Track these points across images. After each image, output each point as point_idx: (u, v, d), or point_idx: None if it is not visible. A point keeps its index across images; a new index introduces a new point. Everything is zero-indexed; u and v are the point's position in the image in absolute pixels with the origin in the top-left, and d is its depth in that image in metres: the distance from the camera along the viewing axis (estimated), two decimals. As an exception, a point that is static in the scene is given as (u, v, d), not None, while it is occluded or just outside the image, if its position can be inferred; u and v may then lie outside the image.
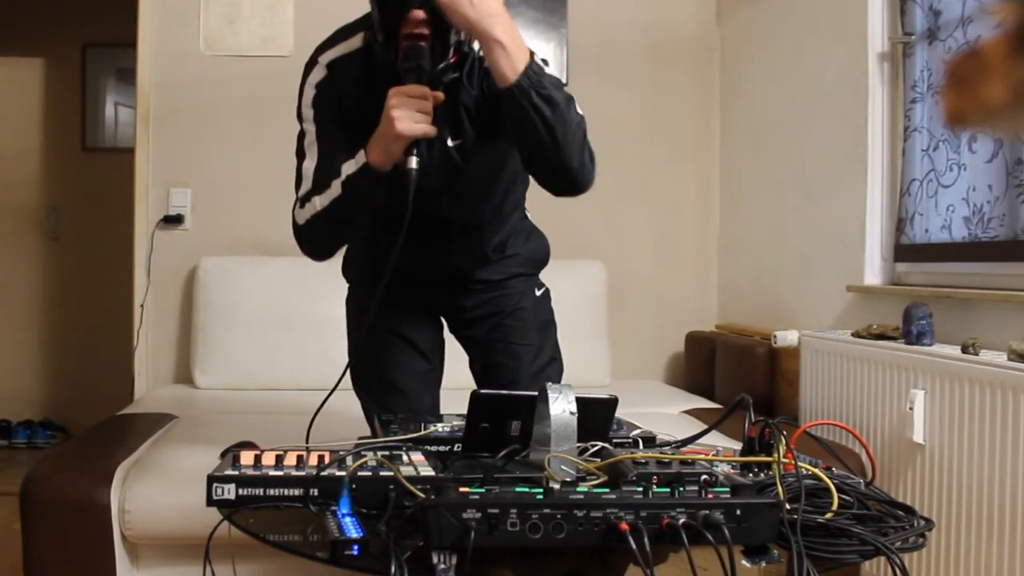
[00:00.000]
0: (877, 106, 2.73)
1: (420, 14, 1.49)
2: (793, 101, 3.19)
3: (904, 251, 2.66)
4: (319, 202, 1.63)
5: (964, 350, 2.12)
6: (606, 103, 3.64)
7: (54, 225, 4.78)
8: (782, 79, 3.27)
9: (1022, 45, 0.54)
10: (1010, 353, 1.98)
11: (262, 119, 3.52)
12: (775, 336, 2.90)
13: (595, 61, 3.66)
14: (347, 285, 2.04)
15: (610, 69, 3.68)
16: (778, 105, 3.30)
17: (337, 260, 3.48)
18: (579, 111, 1.56)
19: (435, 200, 1.68)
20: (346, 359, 2.01)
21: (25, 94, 4.76)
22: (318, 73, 1.65)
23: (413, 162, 1.50)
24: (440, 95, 1.53)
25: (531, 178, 1.77)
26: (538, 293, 1.93)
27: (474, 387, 1.69)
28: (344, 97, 1.62)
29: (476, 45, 1.58)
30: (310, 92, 1.65)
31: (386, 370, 1.88)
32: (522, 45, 1.48)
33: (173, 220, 3.46)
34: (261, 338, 3.23)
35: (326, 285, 3.32)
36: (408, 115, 1.47)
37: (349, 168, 1.56)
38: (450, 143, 1.64)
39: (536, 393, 1.20)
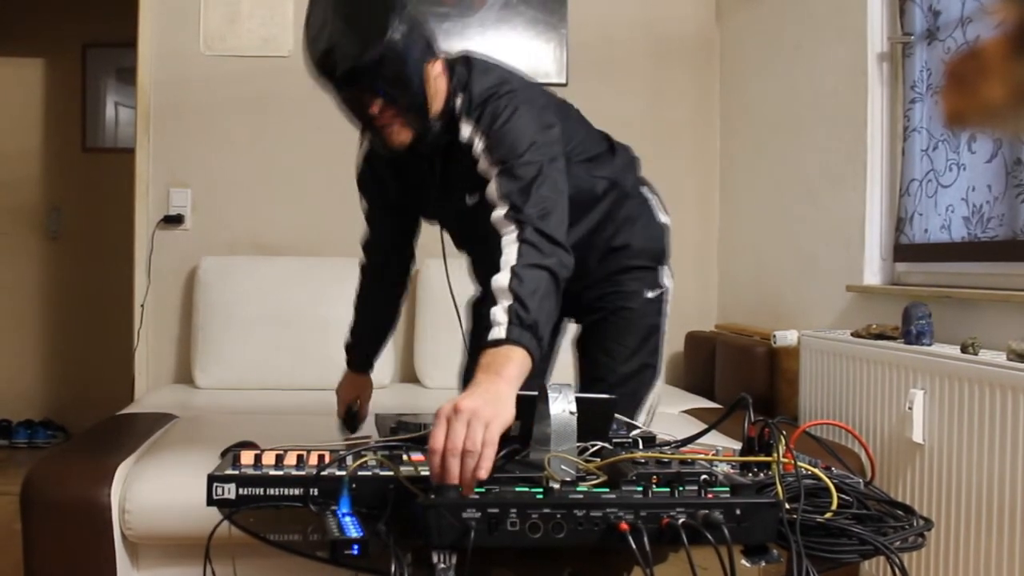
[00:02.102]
0: (876, 106, 2.73)
1: (376, 108, 1.52)
2: (793, 101, 3.19)
3: (903, 251, 2.66)
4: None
5: (963, 350, 2.12)
6: (606, 103, 3.64)
7: (54, 225, 4.78)
8: (782, 79, 3.27)
9: (1021, 45, 0.54)
10: (1009, 353, 1.98)
11: (262, 119, 3.52)
12: (775, 336, 2.90)
13: (595, 61, 3.67)
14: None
15: (610, 69, 3.68)
16: (778, 105, 3.30)
17: (336, 263, 3.48)
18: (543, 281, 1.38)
19: (484, 245, 1.67)
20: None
21: (25, 94, 4.76)
22: (359, 158, 1.83)
23: None
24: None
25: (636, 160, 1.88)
26: (649, 295, 1.85)
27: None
28: (380, 179, 1.80)
29: (458, 106, 1.59)
30: (358, 163, 1.84)
31: None
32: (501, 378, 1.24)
33: (173, 220, 3.46)
34: (261, 338, 3.23)
35: (326, 285, 3.33)
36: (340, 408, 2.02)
37: (347, 336, 2.02)
38: (468, 201, 1.62)
39: (536, 393, 1.20)
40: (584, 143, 1.79)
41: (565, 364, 1.97)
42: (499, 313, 1.29)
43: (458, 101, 1.59)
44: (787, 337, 2.87)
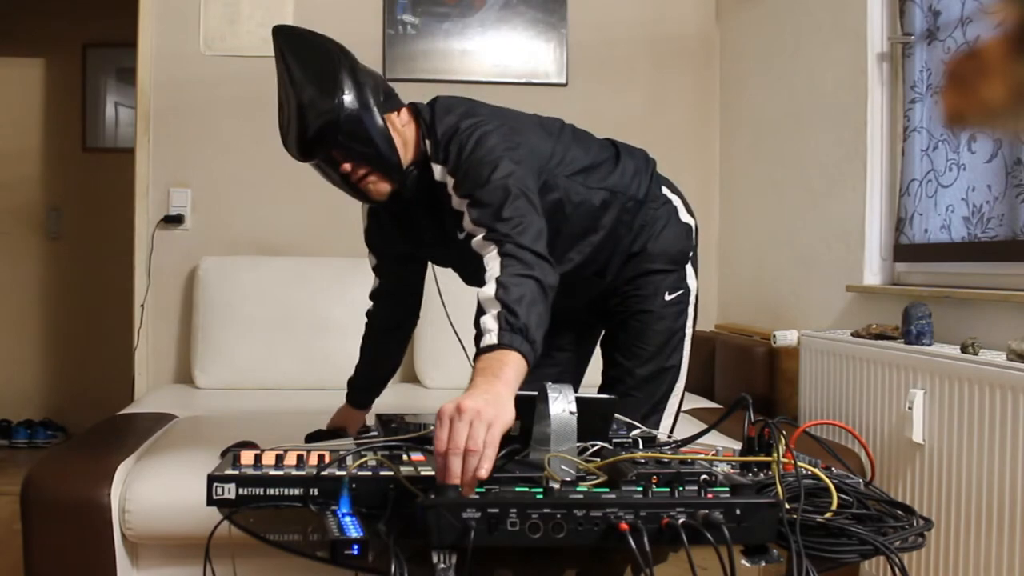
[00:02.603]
0: (876, 106, 2.73)
1: (347, 166, 1.62)
2: (793, 101, 3.19)
3: (903, 251, 2.66)
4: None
5: (963, 350, 2.12)
6: (606, 103, 3.65)
7: (54, 225, 4.78)
8: (782, 79, 3.27)
9: (1021, 45, 0.54)
10: (1009, 353, 1.98)
11: (262, 119, 3.50)
12: (775, 336, 2.90)
13: (595, 61, 3.67)
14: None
15: (610, 69, 3.68)
16: (778, 105, 3.30)
17: (336, 263, 3.48)
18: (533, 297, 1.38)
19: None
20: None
21: (25, 94, 4.76)
22: (365, 210, 1.90)
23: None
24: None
25: (654, 163, 1.91)
26: (668, 297, 1.85)
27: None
28: (382, 225, 1.87)
29: (428, 146, 1.65)
30: (363, 220, 1.93)
31: None
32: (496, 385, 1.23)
33: (173, 220, 3.46)
34: (261, 338, 3.23)
35: (326, 285, 3.33)
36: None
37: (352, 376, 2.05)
38: (460, 236, 1.62)
39: (536, 393, 1.20)
40: (574, 156, 1.78)
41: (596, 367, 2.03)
42: (488, 321, 1.29)
43: (427, 145, 1.64)
44: (787, 337, 2.87)
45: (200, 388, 3.22)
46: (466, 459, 1.07)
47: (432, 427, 1.38)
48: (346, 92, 1.59)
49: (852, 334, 2.54)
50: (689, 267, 1.89)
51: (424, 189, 1.66)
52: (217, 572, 1.21)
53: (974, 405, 2.03)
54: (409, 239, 1.83)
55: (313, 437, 1.93)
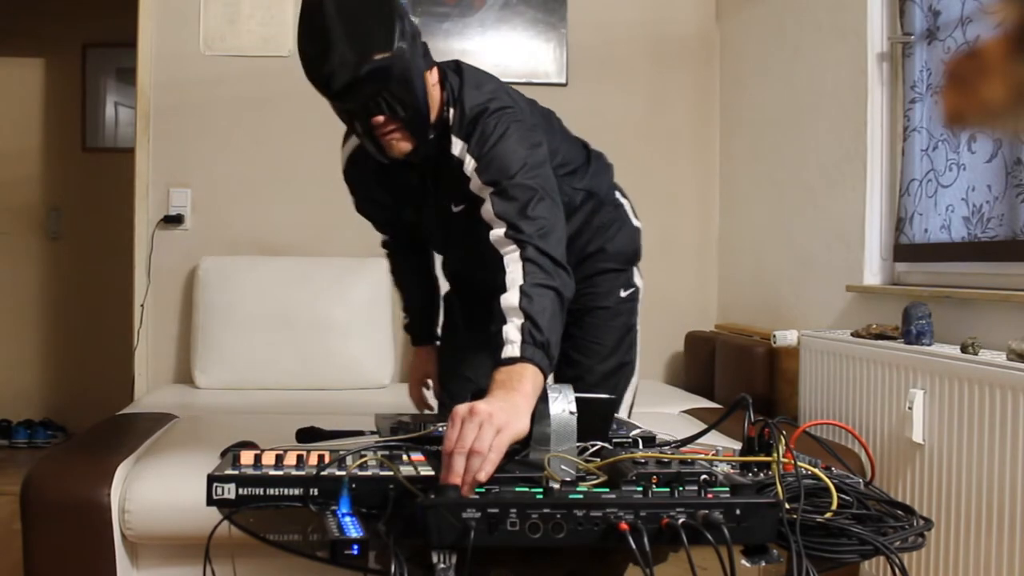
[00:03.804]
0: (876, 106, 2.73)
1: (380, 118, 1.51)
2: (793, 101, 3.19)
3: (903, 251, 2.66)
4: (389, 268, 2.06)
5: (963, 350, 2.12)
6: (606, 103, 3.65)
7: (54, 225, 4.78)
8: (782, 79, 3.27)
9: (1021, 45, 0.54)
10: (1009, 353, 1.98)
11: (262, 119, 3.52)
12: (775, 336, 2.90)
13: (595, 61, 3.67)
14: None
15: (610, 69, 3.68)
16: (778, 105, 3.30)
17: (336, 263, 3.48)
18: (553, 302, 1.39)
19: (468, 252, 1.74)
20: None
21: (25, 94, 4.76)
22: (343, 161, 1.81)
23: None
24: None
25: (611, 167, 1.91)
26: (623, 294, 1.90)
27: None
28: (367, 182, 1.78)
29: (451, 118, 1.60)
30: (343, 176, 1.83)
31: (465, 371, 1.95)
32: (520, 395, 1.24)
33: (173, 220, 3.46)
34: (261, 338, 3.23)
35: (326, 285, 3.33)
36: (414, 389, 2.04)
37: (404, 316, 2.05)
38: (454, 209, 1.64)
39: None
40: (567, 156, 1.80)
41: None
42: (512, 331, 1.29)
43: (451, 113, 1.59)
44: (787, 337, 2.87)
45: (200, 388, 3.22)
46: (470, 460, 1.07)
47: (433, 427, 1.39)
48: (402, 40, 1.47)
49: (852, 334, 2.54)
50: (636, 268, 1.95)
51: (433, 155, 1.61)
52: (217, 572, 1.21)
53: (974, 405, 2.03)
54: (394, 198, 1.77)
55: (303, 433, 1.92)
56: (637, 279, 1.94)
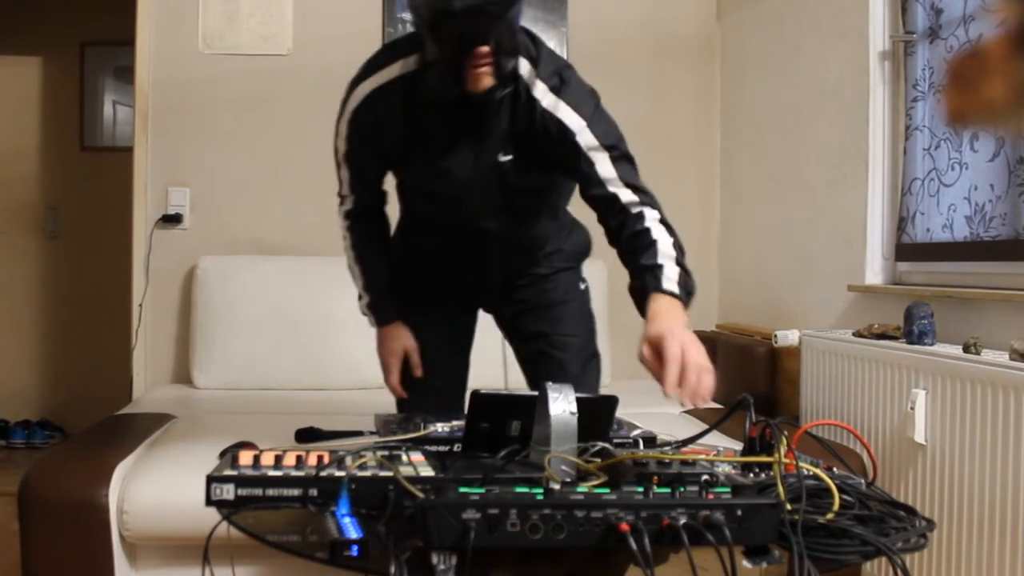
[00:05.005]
0: (878, 105, 2.72)
1: (486, 48, 1.54)
2: (794, 100, 3.18)
3: (905, 250, 2.65)
4: (345, 243, 1.94)
5: (966, 350, 2.11)
6: (606, 102, 3.61)
7: (52, 224, 4.77)
8: (783, 78, 3.27)
9: (1023, 44, 0.54)
10: (1012, 353, 1.98)
11: (261, 118, 3.51)
12: (776, 336, 2.90)
13: (595, 60, 3.65)
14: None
15: (610, 68, 3.67)
16: (779, 104, 3.29)
17: (336, 262, 3.47)
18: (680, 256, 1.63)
19: (482, 213, 1.78)
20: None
21: (23, 92, 4.75)
22: (355, 100, 1.72)
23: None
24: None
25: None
26: (581, 287, 2.00)
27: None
28: (382, 125, 1.71)
29: (523, 69, 1.65)
30: (347, 116, 1.74)
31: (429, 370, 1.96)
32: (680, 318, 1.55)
33: (172, 219, 3.45)
34: (260, 338, 3.22)
35: (326, 285, 3.32)
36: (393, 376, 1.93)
37: (361, 296, 1.94)
38: (500, 158, 1.69)
39: (536, 393, 1.19)
40: None
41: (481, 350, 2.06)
42: (672, 271, 1.54)
43: (522, 63, 1.64)
44: (788, 337, 2.86)
45: (199, 388, 3.22)
46: (703, 376, 1.33)
47: (432, 427, 1.38)
48: None
49: (854, 334, 2.53)
50: (583, 266, 2.05)
51: (494, 100, 1.63)
52: (216, 573, 1.20)
53: (976, 405, 2.03)
54: (410, 145, 1.73)
55: (302, 434, 1.91)
56: (586, 275, 2.04)
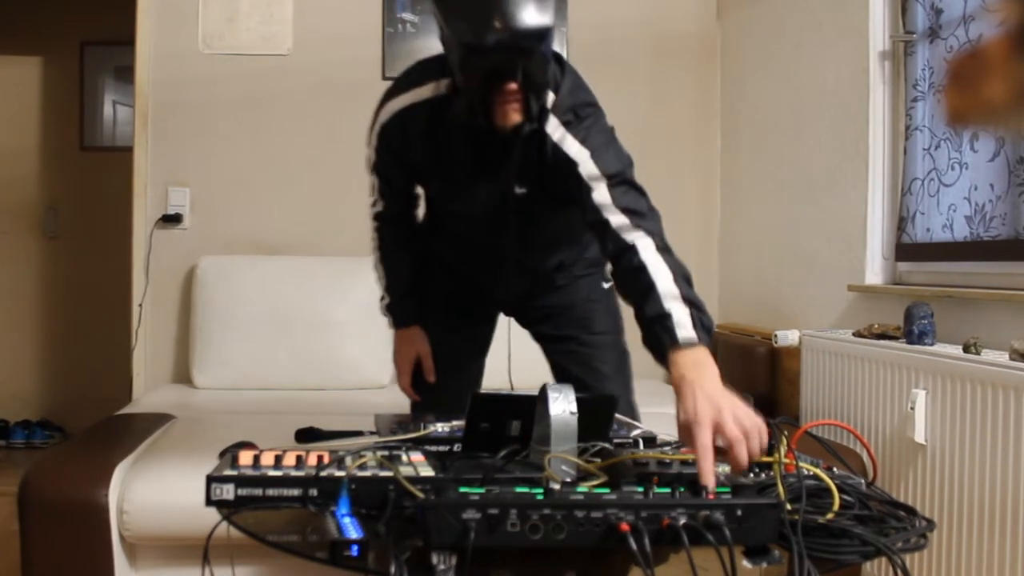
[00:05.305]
0: (878, 105, 2.72)
1: (514, 85, 1.53)
2: (794, 100, 3.18)
3: (905, 250, 2.65)
4: (373, 243, 1.95)
5: (966, 350, 2.11)
6: (606, 102, 3.60)
7: (52, 224, 4.77)
8: (783, 77, 3.27)
9: (1023, 44, 0.54)
10: (1012, 353, 1.97)
11: (261, 118, 3.51)
12: (776, 336, 2.90)
13: (595, 59, 3.65)
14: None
15: (610, 67, 3.67)
16: (779, 104, 3.29)
17: (336, 262, 3.47)
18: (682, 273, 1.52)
19: (500, 239, 1.79)
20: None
21: (23, 92, 4.75)
22: (386, 115, 1.74)
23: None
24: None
25: None
26: (605, 287, 1.98)
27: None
28: (409, 142, 1.73)
29: (550, 97, 1.64)
30: (377, 129, 1.76)
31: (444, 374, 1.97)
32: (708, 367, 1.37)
33: (172, 219, 3.45)
34: (260, 338, 3.22)
35: (326, 285, 3.32)
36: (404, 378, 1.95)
37: (383, 297, 1.96)
38: (516, 191, 1.70)
39: (536, 393, 1.19)
40: None
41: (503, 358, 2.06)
42: (682, 316, 1.38)
43: (549, 96, 1.64)
44: (788, 337, 2.86)
45: (199, 388, 3.22)
46: (750, 442, 1.16)
47: (432, 427, 1.38)
48: (552, 12, 1.52)
49: (854, 334, 2.53)
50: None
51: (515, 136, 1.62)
52: (216, 573, 1.20)
53: (976, 405, 2.03)
54: (430, 169, 1.75)
55: (302, 434, 1.91)
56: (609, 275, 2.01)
